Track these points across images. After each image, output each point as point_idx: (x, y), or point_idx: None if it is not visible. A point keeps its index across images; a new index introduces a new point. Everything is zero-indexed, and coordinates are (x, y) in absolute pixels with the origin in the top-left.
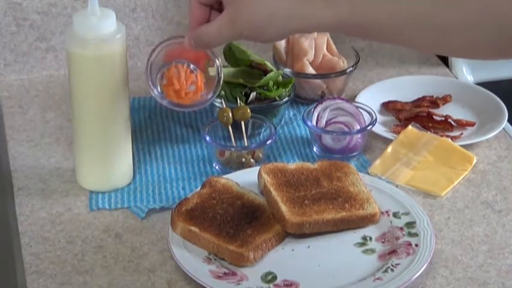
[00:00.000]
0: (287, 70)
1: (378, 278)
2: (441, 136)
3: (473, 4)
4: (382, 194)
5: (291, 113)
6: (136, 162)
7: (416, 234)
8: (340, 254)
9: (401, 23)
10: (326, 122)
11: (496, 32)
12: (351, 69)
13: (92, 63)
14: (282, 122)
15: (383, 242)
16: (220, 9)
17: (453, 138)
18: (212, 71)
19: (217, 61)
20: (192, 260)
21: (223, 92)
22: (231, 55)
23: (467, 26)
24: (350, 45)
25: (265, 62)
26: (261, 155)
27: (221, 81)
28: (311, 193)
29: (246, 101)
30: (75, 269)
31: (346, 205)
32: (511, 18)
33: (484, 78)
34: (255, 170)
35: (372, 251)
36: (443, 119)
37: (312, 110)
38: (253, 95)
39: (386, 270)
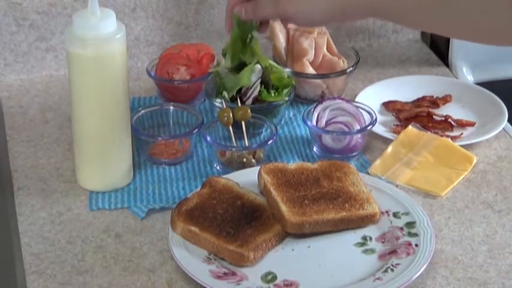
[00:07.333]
0: (287, 70)
1: (377, 278)
2: (441, 136)
3: None
4: (382, 194)
5: (291, 113)
6: (136, 162)
7: (416, 234)
8: (340, 254)
9: (417, 10)
10: (326, 122)
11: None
12: (351, 69)
13: (92, 63)
14: (282, 122)
15: (383, 242)
16: None
17: (453, 138)
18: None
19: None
20: (192, 260)
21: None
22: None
23: (479, 10)
24: (350, 45)
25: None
26: (262, 155)
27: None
28: (311, 193)
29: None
30: (75, 269)
31: (346, 205)
32: None
33: (484, 78)
34: (255, 170)
35: (372, 251)
36: (443, 119)
37: (312, 110)
38: (258, 67)
39: (386, 270)
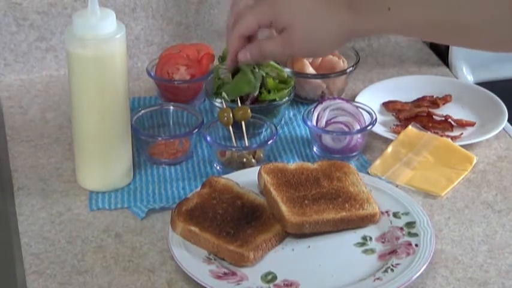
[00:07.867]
0: (287, 70)
1: (377, 278)
2: (441, 136)
3: (488, 2)
4: (382, 194)
5: (291, 113)
6: (136, 162)
7: (416, 234)
8: (340, 254)
9: (422, 28)
10: (326, 122)
11: None
12: (351, 69)
13: (92, 63)
14: (282, 122)
15: (383, 242)
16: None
17: (453, 138)
18: (222, 72)
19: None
20: (192, 260)
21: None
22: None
23: (485, 24)
24: (350, 45)
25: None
26: (262, 155)
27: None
28: (311, 193)
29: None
30: (75, 269)
31: (346, 205)
32: None
33: (484, 78)
34: (255, 170)
35: (372, 251)
36: (443, 119)
37: (312, 110)
38: (258, 73)
39: (386, 270)
